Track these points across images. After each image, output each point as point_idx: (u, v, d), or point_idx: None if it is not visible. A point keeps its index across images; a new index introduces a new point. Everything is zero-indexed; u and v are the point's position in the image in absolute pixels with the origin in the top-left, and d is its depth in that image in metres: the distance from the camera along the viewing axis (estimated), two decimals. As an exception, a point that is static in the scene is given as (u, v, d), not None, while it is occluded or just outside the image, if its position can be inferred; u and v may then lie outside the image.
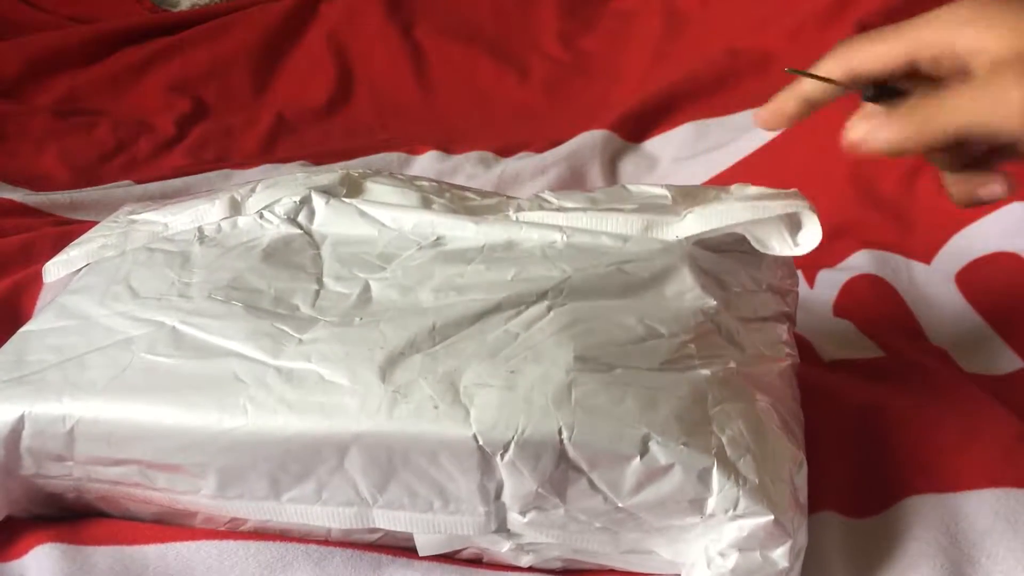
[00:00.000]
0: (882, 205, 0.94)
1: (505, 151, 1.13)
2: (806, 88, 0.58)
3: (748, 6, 1.26)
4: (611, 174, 1.08)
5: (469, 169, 1.09)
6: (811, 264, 0.86)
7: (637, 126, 1.14)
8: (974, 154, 0.58)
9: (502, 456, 0.50)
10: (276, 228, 0.63)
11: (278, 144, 1.20)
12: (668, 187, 0.66)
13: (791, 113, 0.59)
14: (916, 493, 0.59)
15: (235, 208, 0.65)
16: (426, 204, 0.64)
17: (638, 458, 0.50)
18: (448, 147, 1.13)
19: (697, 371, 0.54)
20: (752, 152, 1.04)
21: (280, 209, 0.64)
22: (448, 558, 0.55)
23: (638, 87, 1.22)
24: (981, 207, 0.89)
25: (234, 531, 0.56)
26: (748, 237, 0.59)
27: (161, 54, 1.34)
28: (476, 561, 0.55)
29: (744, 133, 1.07)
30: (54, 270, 0.67)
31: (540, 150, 1.12)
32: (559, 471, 0.50)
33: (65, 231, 0.87)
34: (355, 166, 1.05)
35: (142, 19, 1.43)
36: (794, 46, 1.16)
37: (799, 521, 0.51)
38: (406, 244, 0.61)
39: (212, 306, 0.57)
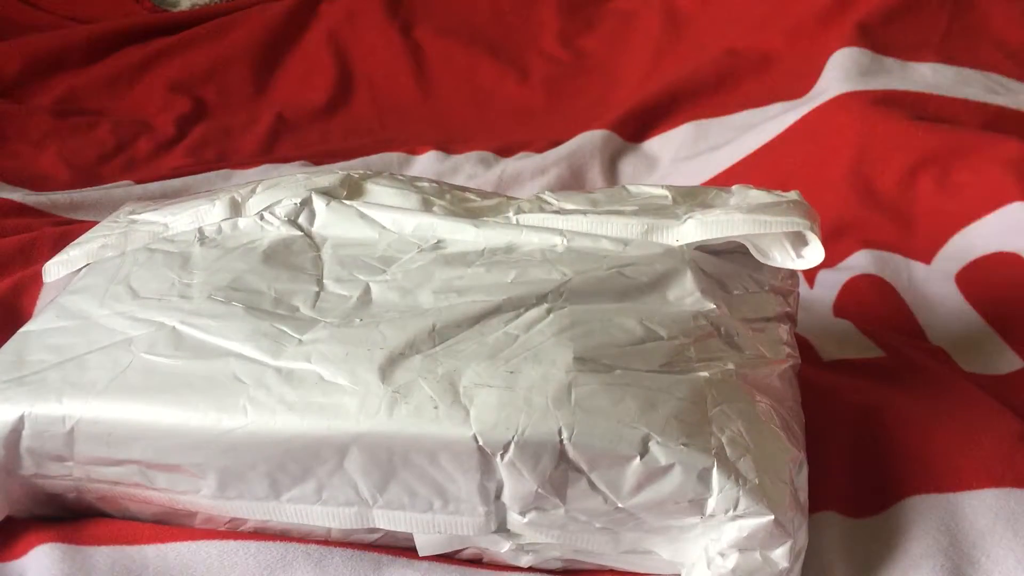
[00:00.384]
0: (882, 205, 0.94)
1: (505, 151, 1.13)
2: None
3: (748, 6, 1.26)
4: (611, 174, 1.08)
5: (469, 169, 1.09)
6: (811, 264, 0.86)
7: (637, 126, 1.14)
8: None
9: (502, 456, 0.50)
10: (276, 230, 0.63)
11: (278, 144, 1.19)
12: (668, 188, 0.66)
13: None
14: (916, 493, 0.59)
15: (235, 209, 0.65)
16: (427, 206, 0.64)
17: (638, 458, 0.50)
18: (448, 147, 1.13)
19: (696, 373, 0.54)
20: (752, 152, 1.04)
21: (280, 211, 0.64)
22: (448, 558, 0.55)
23: (638, 87, 1.22)
24: (980, 207, 0.89)
25: (234, 531, 0.56)
26: (749, 247, 0.59)
27: (161, 54, 1.34)
28: (476, 561, 0.55)
29: (744, 133, 1.07)
30: (54, 270, 0.67)
31: (540, 150, 1.12)
32: (559, 471, 0.50)
33: (65, 231, 0.87)
34: (355, 166, 1.06)
35: (142, 19, 1.43)
36: (794, 46, 1.17)
37: (799, 521, 0.51)
38: (406, 247, 0.61)
39: (212, 307, 0.57)
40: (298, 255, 0.61)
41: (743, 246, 0.60)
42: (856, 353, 0.75)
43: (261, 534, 0.55)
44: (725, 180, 1.01)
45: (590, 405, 0.51)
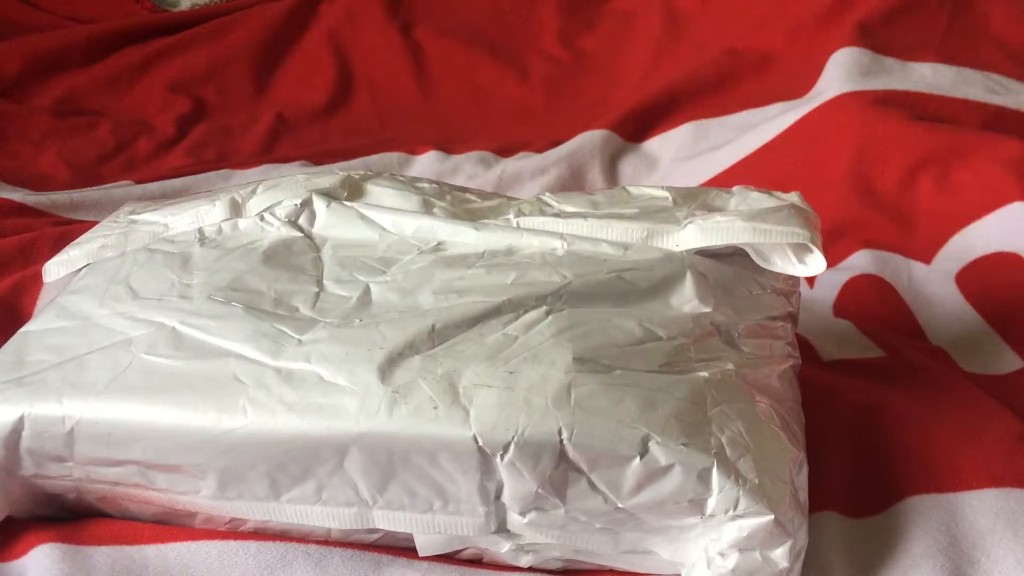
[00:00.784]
0: (882, 205, 0.94)
1: (505, 151, 1.13)
2: None
3: (748, 6, 1.26)
4: (611, 174, 1.08)
5: (469, 169, 1.09)
6: (811, 264, 0.86)
7: (637, 126, 1.14)
8: None
9: (502, 457, 0.50)
10: (277, 230, 0.63)
11: (278, 144, 1.19)
12: (669, 189, 0.66)
13: None
14: (916, 493, 0.59)
15: (235, 209, 0.65)
16: (427, 208, 0.64)
17: (638, 458, 0.50)
18: (448, 147, 1.13)
19: (696, 373, 0.54)
20: (752, 152, 1.04)
21: (281, 211, 0.64)
22: (448, 558, 0.55)
23: (638, 87, 1.22)
24: (980, 207, 0.89)
25: (234, 531, 0.56)
26: (750, 251, 0.59)
27: (161, 54, 1.34)
28: (476, 561, 0.55)
29: (744, 133, 1.07)
30: (54, 270, 0.67)
31: (540, 150, 1.12)
32: (559, 471, 0.50)
33: (65, 231, 0.87)
34: (355, 166, 1.06)
35: (142, 19, 1.43)
36: (794, 46, 1.17)
37: (799, 521, 0.51)
38: (407, 248, 0.61)
39: (212, 307, 0.57)
40: (298, 256, 0.61)
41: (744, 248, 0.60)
42: (856, 353, 0.75)
43: (261, 534, 0.55)
44: (725, 180, 1.01)
45: (590, 405, 0.51)
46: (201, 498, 0.54)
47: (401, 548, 0.55)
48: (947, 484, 0.59)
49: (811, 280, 0.86)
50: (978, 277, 0.86)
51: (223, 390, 0.53)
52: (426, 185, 0.67)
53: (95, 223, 0.71)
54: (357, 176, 0.67)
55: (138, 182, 1.06)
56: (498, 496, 0.52)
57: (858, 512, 0.59)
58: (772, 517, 0.50)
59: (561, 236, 0.61)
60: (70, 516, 0.57)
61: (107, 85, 1.30)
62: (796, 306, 0.63)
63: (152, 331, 0.57)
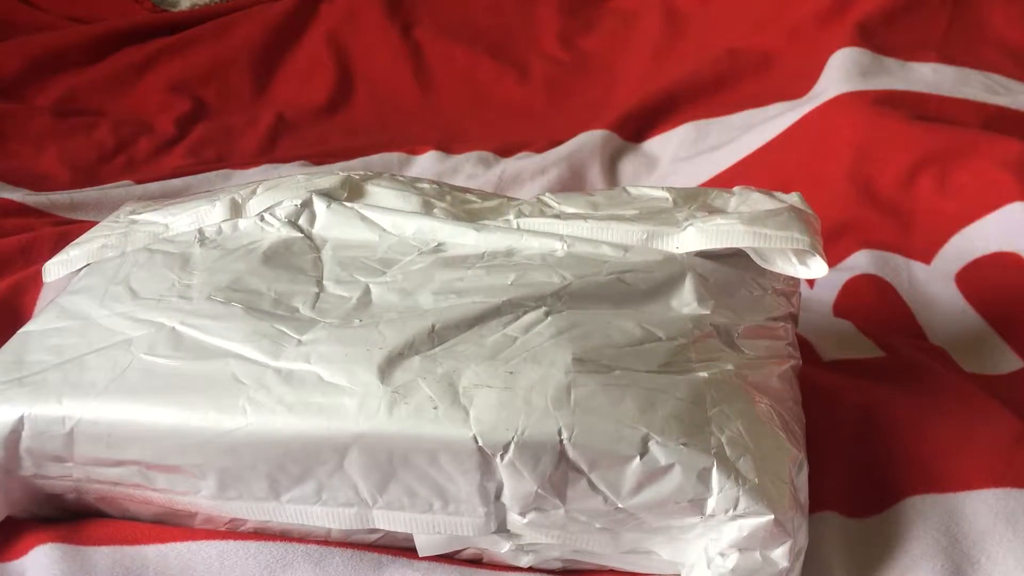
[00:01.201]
0: (882, 205, 0.94)
1: (505, 151, 1.13)
2: None
3: (748, 6, 1.26)
4: (611, 174, 1.08)
5: (469, 169, 1.09)
6: (811, 264, 0.86)
7: (637, 126, 1.14)
8: None
9: (502, 457, 0.50)
10: (277, 231, 0.63)
11: (278, 144, 1.19)
12: (669, 190, 0.66)
13: None
14: (916, 493, 0.59)
15: (236, 210, 0.65)
16: (427, 209, 0.64)
17: (638, 458, 0.50)
18: (448, 147, 1.13)
19: (695, 373, 0.54)
20: (752, 152, 1.04)
21: (281, 212, 0.64)
22: (448, 558, 0.55)
23: (638, 87, 1.22)
24: (980, 207, 0.89)
25: (234, 531, 0.56)
26: (751, 253, 0.59)
27: (161, 54, 1.34)
28: (476, 561, 0.55)
29: (744, 133, 1.07)
30: (54, 270, 0.67)
31: (540, 150, 1.12)
32: (559, 472, 0.50)
33: (65, 231, 0.87)
34: (355, 166, 1.06)
35: (142, 19, 1.43)
36: (794, 46, 1.17)
37: (799, 521, 0.51)
38: (407, 249, 0.61)
39: (212, 307, 0.57)
40: (298, 256, 0.61)
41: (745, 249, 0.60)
42: (856, 353, 0.75)
43: (261, 534, 0.55)
44: (725, 180, 1.01)
45: (590, 405, 0.51)
46: (201, 498, 0.54)
47: (401, 548, 0.55)
48: (947, 484, 0.59)
49: (811, 280, 0.86)
50: (978, 277, 0.86)
51: (223, 390, 0.53)
52: (426, 186, 0.67)
53: (95, 223, 0.71)
54: (357, 177, 0.67)
55: (138, 182, 1.06)
56: (498, 496, 0.52)
57: (858, 512, 0.59)
58: (772, 517, 0.50)
59: (561, 237, 0.61)
60: (70, 516, 0.57)
61: (107, 85, 1.30)
62: (796, 306, 0.63)
63: (152, 331, 0.57)
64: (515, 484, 0.51)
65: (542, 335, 0.54)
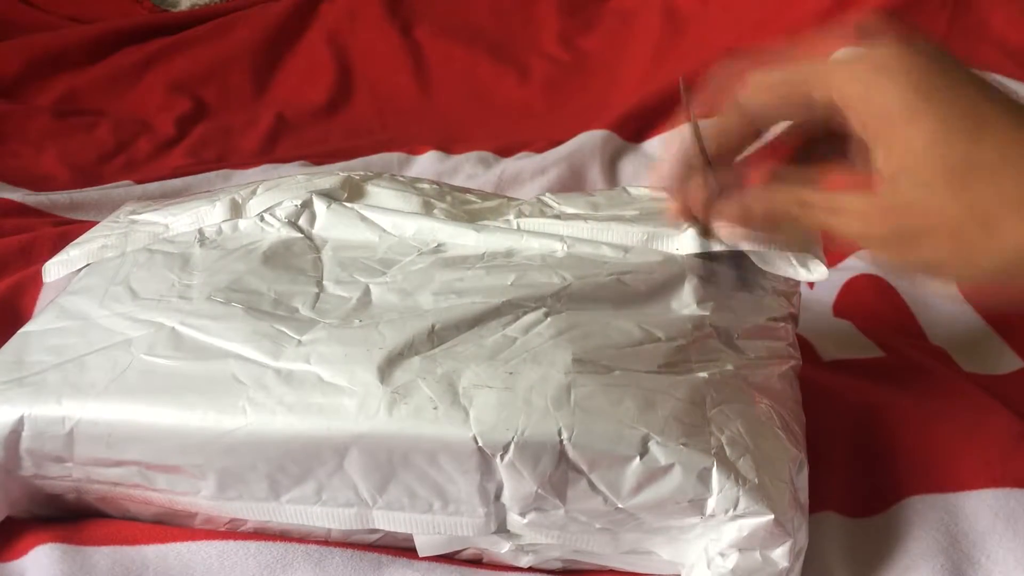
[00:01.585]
0: (882, 205, 0.94)
1: (505, 151, 1.13)
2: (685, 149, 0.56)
3: (748, 6, 1.26)
4: (611, 174, 1.08)
5: (469, 169, 1.09)
6: (811, 264, 0.86)
7: (637, 126, 1.14)
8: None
9: (502, 457, 0.50)
10: (277, 231, 0.63)
11: (278, 144, 1.19)
12: None
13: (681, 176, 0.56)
14: (916, 493, 0.59)
15: (236, 210, 0.65)
16: (428, 209, 0.64)
17: (638, 459, 0.50)
18: (448, 147, 1.13)
19: (695, 374, 0.54)
20: (752, 152, 1.03)
21: (281, 212, 0.64)
22: (448, 558, 0.55)
23: (638, 87, 1.22)
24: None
25: (234, 531, 0.56)
26: (750, 256, 0.59)
27: (161, 54, 1.34)
28: (476, 561, 0.55)
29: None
30: (54, 270, 0.67)
31: (540, 150, 1.12)
32: (559, 472, 0.50)
33: (65, 231, 0.87)
34: (355, 166, 1.06)
35: (142, 19, 1.43)
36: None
37: (799, 521, 0.51)
38: (407, 250, 0.61)
39: (212, 307, 0.57)
40: (298, 256, 0.61)
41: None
42: (856, 353, 0.75)
43: (261, 534, 0.55)
44: (725, 180, 1.01)
45: (589, 405, 0.51)
46: (201, 499, 0.54)
47: (401, 548, 0.55)
48: (947, 484, 0.59)
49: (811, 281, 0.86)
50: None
51: (223, 391, 0.53)
52: (427, 186, 0.67)
53: (95, 223, 0.71)
54: (358, 177, 0.67)
55: (138, 182, 1.06)
56: (498, 497, 0.52)
57: (858, 512, 0.59)
58: (772, 517, 0.50)
59: (561, 238, 0.61)
60: (70, 516, 0.57)
61: (107, 85, 1.30)
62: (797, 307, 0.63)
63: (152, 332, 0.56)
64: (515, 484, 0.51)
65: (542, 336, 0.54)
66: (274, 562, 0.54)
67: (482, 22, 1.40)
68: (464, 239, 0.61)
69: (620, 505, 0.51)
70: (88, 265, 0.65)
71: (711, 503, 0.50)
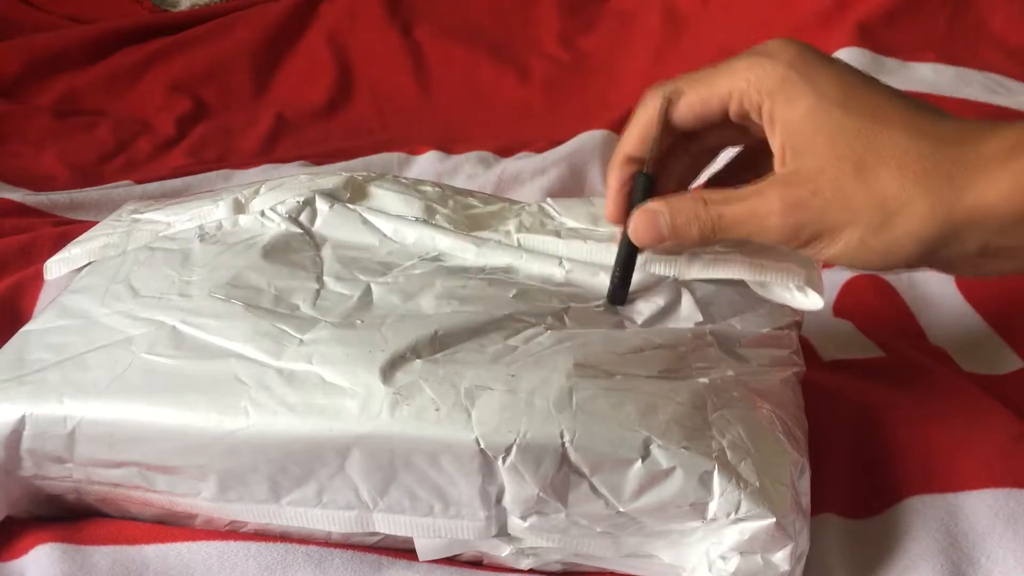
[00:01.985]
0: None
1: (505, 151, 1.13)
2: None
3: (748, 6, 1.26)
4: (611, 174, 1.08)
5: (469, 169, 1.09)
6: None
7: (637, 126, 1.13)
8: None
9: (503, 460, 0.50)
10: (277, 226, 0.63)
11: (278, 144, 1.19)
12: None
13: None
14: (916, 493, 0.59)
15: (239, 209, 0.65)
16: (430, 214, 0.64)
17: (639, 462, 0.50)
18: (448, 147, 1.13)
19: (696, 379, 0.54)
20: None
21: (282, 208, 0.64)
22: (448, 561, 0.55)
23: (638, 87, 1.22)
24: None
25: (235, 532, 0.56)
26: (749, 284, 0.59)
27: (161, 54, 1.34)
28: (476, 563, 0.55)
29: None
30: (55, 268, 0.67)
31: (540, 150, 1.11)
32: (560, 475, 0.50)
33: (65, 231, 0.87)
34: (355, 166, 1.05)
35: (142, 19, 1.43)
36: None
37: (801, 524, 0.51)
38: (408, 255, 0.61)
39: (212, 305, 0.57)
40: (298, 252, 0.61)
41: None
42: (856, 353, 0.75)
43: (261, 535, 0.55)
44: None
45: (591, 409, 0.51)
46: (201, 500, 0.54)
47: (401, 550, 0.55)
48: (947, 484, 0.59)
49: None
50: (978, 277, 0.86)
51: (224, 391, 0.53)
52: (429, 189, 0.67)
53: (95, 223, 0.71)
54: (360, 177, 0.67)
55: (138, 182, 1.06)
56: (499, 500, 0.52)
57: (857, 513, 0.59)
58: (774, 520, 0.50)
59: (560, 261, 0.61)
60: (70, 516, 0.57)
61: (107, 85, 1.30)
62: (801, 314, 0.63)
63: (152, 330, 0.56)
64: (517, 487, 0.51)
65: (543, 344, 0.55)
66: (274, 563, 0.54)
67: (482, 22, 1.40)
68: (464, 253, 0.62)
69: (621, 508, 0.51)
70: (90, 264, 0.65)
71: (712, 506, 0.50)
